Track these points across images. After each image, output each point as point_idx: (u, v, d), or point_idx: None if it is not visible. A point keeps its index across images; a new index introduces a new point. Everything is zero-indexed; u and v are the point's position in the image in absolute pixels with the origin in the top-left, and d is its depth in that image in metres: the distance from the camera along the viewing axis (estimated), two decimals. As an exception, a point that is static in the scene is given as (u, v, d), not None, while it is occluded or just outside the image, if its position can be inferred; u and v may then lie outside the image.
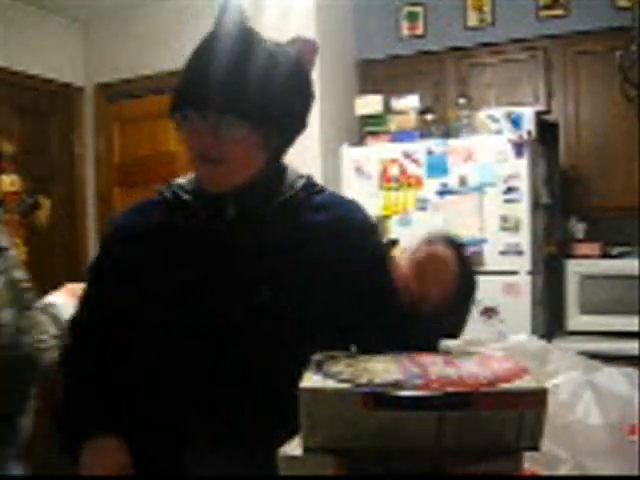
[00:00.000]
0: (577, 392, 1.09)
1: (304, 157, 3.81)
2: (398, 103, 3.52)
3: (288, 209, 1.21)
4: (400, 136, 3.44)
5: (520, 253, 3.11)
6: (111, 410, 1.19)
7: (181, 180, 1.27)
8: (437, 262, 1.02)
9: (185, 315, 1.16)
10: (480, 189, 3.17)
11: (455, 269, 1.03)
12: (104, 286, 1.27)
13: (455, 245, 1.08)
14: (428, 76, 3.82)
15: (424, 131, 3.44)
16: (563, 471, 0.99)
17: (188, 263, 1.18)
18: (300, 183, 1.24)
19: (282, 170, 1.25)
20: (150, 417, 1.16)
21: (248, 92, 1.11)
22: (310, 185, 1.26)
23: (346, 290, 1.15)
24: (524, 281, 3.10)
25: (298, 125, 1.21)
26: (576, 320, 3.41)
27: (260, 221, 1.19)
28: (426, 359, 0.84)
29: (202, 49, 1.17)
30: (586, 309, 3.39)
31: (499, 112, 3.30)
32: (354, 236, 1.23)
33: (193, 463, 1.11)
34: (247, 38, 1.16)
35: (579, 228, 3.62)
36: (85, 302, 1.31)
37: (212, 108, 1.11)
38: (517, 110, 3.29)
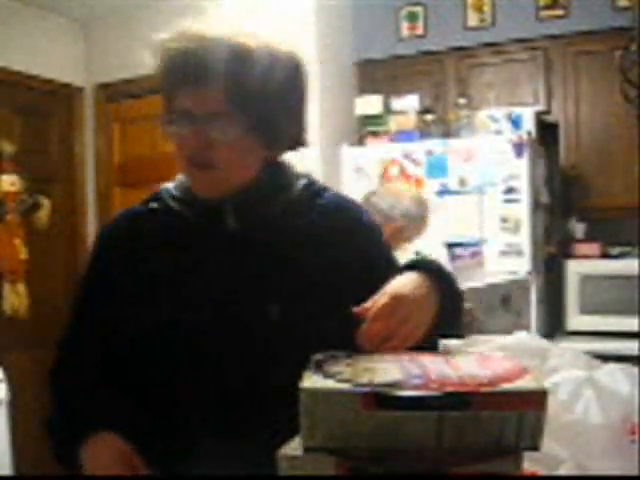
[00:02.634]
0: (577, 390, 1.09)
1: (304, 157, 3.81)
2: (398, 103, 3.53)
3: (292, 213, 1.14)
4: (400, 136, 3.44)
5: (520, 253, 3.11)
6: (107, 411, 1.11)
7: (170, 186, 1.20)
8: (402, 307, 0.95)
9: (186, 339, 1.07)
10: (480, 189, 3.17)
11: (426, 308, 0.98)
12: (94, 304, 1.18)
13: (433, 270, 1.03)
14: (428, 76, 3.82)
15: (424, 131, 3.44)
16: (563, 471, 0.99)
17: (187, 280, 1.10)
18: (302, 183, 1.17)
19: (281, 171, 1.17)
20: (149, 427, 1.09)
21: (244, 85, 1.04)
22: (312, 185, 1.19)
23: (361, 298, 1.04)
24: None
25: (293, 126, 1.14)
26: (576, 320, 3.41)
27: (263, 229, 1.12)
28: (426, 359, 0.84)
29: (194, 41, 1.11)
30: (586, 309, 3.39)
31: (499, 112, 3.31)
32: (366, 241, 1.17)
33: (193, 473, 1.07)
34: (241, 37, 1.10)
35: (579, 228, 3.62)
36: (76, 318, 1.21)
37: (206, 83, 1.04)
38: (517, 110, 3.29)
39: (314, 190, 1.19)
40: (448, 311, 1.03)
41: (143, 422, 1.10)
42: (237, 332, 1.07)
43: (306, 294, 1.08)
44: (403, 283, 0.99)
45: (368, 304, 0.95)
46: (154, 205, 1.18)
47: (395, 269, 1.07)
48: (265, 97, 1.05)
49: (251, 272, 1.10)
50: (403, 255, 2.48)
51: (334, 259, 1.12)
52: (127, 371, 1.13)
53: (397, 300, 0.95)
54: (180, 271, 1.11)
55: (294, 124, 1.14)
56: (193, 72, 1.05)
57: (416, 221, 2.41)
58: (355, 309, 0.95)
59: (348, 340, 1.02)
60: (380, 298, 0.96)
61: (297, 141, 1.16)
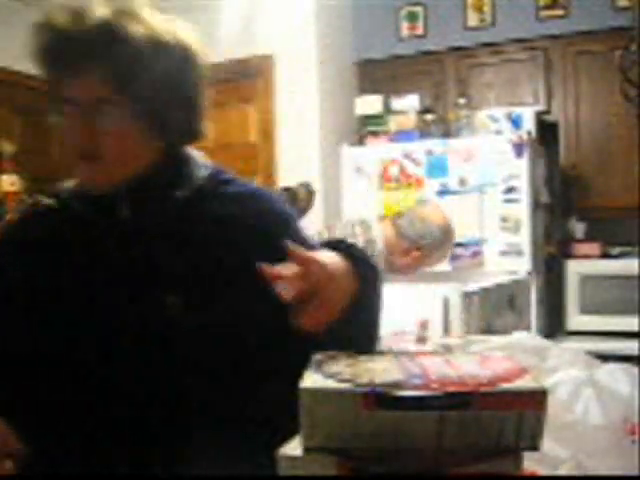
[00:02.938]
0: (577, 390, 1.09)
1: (304, 157, 3.82)
2: (398, 103, 3.53)
3: (194, 202, 1.06)
4: (400, 136, 3.44)
5: (520, 253, 3.11)
6: None
7: (68, 184, 1.13)
8: (320, 282, 0.87)
9: (86, 337, 1.01)
10: (480, 189, 3.17)
11: (340, 286, 0.90)
12: None
13: (351, 254, 0.96)
14: (428, 76, 3.82)
15: (424, 131, 3.44)
16: (563, 471, 0.99)
17: (84, 278, 1.03)
18: (205, 173, 1.10)
19: (181, 161, 1.10)
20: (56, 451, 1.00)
21: (129, 70, 0.98)
22: (217, 175, 1.11)
23: (269, 294, 0.93)
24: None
25: (186, 116, 1.07)
26: (576, 320, 3.41)
27: (160, 220, 1.05)
28: (426, 359, 0.84)
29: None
30: (586, 309, 3.39)
31: (499, 112, 3.31)
32: (276, 231, 1.05)
33: None
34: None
35: (579, 228, 3.62)
36: None
37: (89, 68, 0.97)
38: (517, 110, 3.29)
39: (221, 179, 1.12)
40: (366, 298, 0.97)
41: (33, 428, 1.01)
42: (134, 330, 1.00)
43: (209, 284, 1.01)
44: (322, 255, 0.92)
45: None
46: (50, 202, 1.11)
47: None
48: (153, 84, 1.00)
49: (149, 265, 1.03)
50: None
51: (241, 247, 1.04)
52: (24, 379, 1.05)
53: (318, 264, 0.87)
54: (74, 270, 1.05)
55: (187, 114, 1.07)
56: (74, 56, 0.99)
57: (441, 250, 2.36)
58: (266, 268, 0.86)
59: (258, 329, 0.96)
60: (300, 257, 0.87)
61: (192, 132, 1.09)
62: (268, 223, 1.09)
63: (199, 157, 1.13)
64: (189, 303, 0.99)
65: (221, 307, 1.00)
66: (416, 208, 2.42)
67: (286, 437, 0.78)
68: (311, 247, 1.04)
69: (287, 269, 0.86)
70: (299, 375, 0.75)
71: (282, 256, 0.95)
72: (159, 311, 1.00)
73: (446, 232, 2.35)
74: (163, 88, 1.01)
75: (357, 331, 0.98)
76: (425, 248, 2.28)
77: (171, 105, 1.03)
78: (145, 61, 0.99)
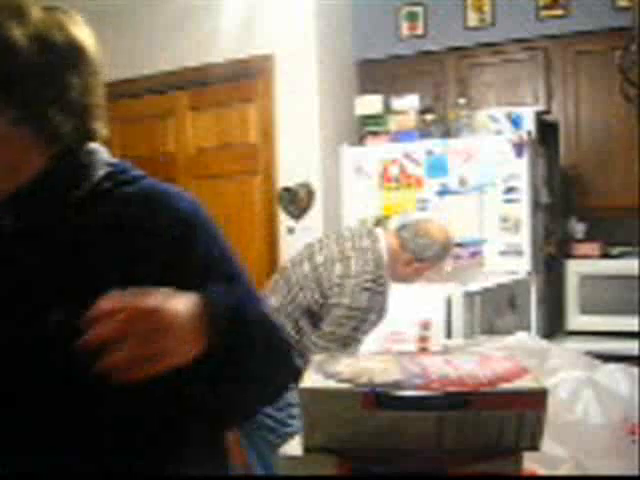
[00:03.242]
0: (577, 390, 1.09)
1: (304, 157, 3.82)
2: (398, 103, 3.53)
3: (83, 208, 0.97)
4: (400, 136, 3.44)
5: (520, 253, 3.11)
6: None
7: None
8: (149, 322, 0.80)
9: None
10: (480, 189, 3.17)
11: (178, 335, 0.83)
12: None
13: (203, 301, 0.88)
14: (428, 76, 3.82)
15: (424, 131, 3.44)
16: (563, 471, 0.99)
17: None
18: (101, 173, 0.99)
19: (74, 163, 0.99)
20: None
21: (5, 72, 0.92)
22: (119, 173, 1.01)
23: None
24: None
25: (76, 119, 0.98)
26: (576, 320, 3.41)
27: (48, 227, 0.96)
28: (426, 359, 0.84)
29: None
30: (586, 309, 3.39)
31: (499, 112, 3.30)
32: (179, 237, 0.97)
33: None
34: None
35: (579, 228, 3.62)
36: None
37: None
38: (517, 110, 3.29)
39: (121, 179, 1.01)
40: (223, 354, 0.89)
41: None
42: (15, 344, 0.93)
43: (93, 297, 0.89)
44: (163, 299, 0.84)
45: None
46: None
47: (216, 277, 0.95)
48: (36, 87, 0.94)
49: (34, 278, 0.95)
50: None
51: (131, 255, 0.95)
52: None
53: (141, 312, 0.81)
54: None
55: (78, 116, 0.99)
56: None
57: (440, 264, 2.52)
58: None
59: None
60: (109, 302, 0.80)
61: (85, 134, 1.01)
62: (165, 230, 0.97)
63: (102, 156, 1.03)
64: (72, 313, 0.86)
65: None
66: (420, 222, 2.54)
67: None
68: (204, 267, 0.98)
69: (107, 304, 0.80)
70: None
71: (172, 265, 0.93)
72: (43, 321, 0.91)
73: (446, 248, 2.50)
74: (48, 90, 0.95)
75: (219, 392, 0.93)
76: (425, 261, 2.42)
77: (58, 108, 0.96)
78: (27, 63, 0.93)
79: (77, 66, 0.98)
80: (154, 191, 1.01)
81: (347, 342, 2.29)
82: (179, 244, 0.97)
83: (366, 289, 2.28)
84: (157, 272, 0.93)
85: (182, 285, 0.89)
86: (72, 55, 0.98)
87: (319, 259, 2.38)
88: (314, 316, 2.35)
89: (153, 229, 0.97)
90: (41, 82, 0.94)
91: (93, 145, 1.03)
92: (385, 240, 2.41)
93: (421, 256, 2.42)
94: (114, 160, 1.04)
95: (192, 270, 0.97)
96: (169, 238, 0.97)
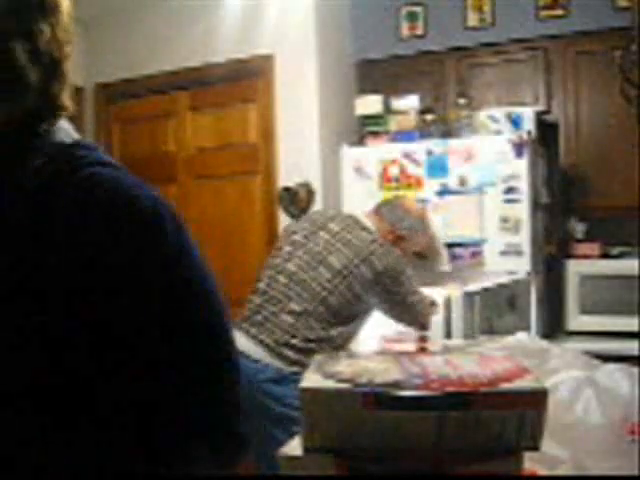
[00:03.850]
0: (577, 390, 1.09)
1: (304, 157, 3.82)
2: (398, 103, 3.52)
3: (38, 190, 0.84)
4: (400, 136, 3.44)
5: (520, 253, 3.11)
6: None
7: None
8: None
9: None
10: (480, 189, 3.17)
11: None
12: None
13: None
14: (428, 76, 3.82)
15: (424, 131, 3.44)
16: (563, 471, 0.99)
17: None
18: (61, 154, 0.88)
19: (39, 142, 0.89)
20: None
21: None
22: (78, 156, 0.89)
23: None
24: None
25: (54, 73, 0.89)
26: (576, 320, 3.41)
27: None
28: (426, 359, 0.84)
29: None
30: (586, 309, 3.39)
31: (499, 112, 3.30)
32: (128, 228, 0.85)
33: None
34: None
35: (579, 228, 3.62)
36: None
37: None
38: (517, 110, 3.29)
39: (81, 160, 0.89)
40: None
41: None
42: None
43: (44, 291, 0.81)
44: None
45: None
46: None
47: (176, 292, 0.86)
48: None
49: None
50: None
51: (82, 249, 0.83)
52: None
53: None
54: None
55: (44, 69, 0.88)
56: None
57: (420, 237, 2.74)
58: None
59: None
60: None
61: (52, 101, 0.91)
62: (121, 215, 0.85)
63: (66, 130, 0.93)
64: (13, 307, 0.79)
65: (49, 311, 0.81)
66: (395, 199, 2.79)
67: None
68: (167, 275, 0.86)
69: None
70: None
71: (132, 255, 0.83)
72: None
73: (421, 221, 2.74)
74: (15, 23, 0.85)
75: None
76: (403, 231, 2.61)
77: (25, 48, 0.85)
78: None
79: (47, 16, 0.88)
80: (112, 177, 0.89)
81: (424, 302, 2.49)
82: (123, 242, 0.85)
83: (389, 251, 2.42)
84: (88, 272, 0.83)
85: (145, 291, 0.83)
86: (43, 2, 0.88)
87: (333, 261, 2.37)
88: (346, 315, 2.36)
89: (107, 216, 0.84)
90: (7, 9, 0.84)
91: (60, 121, 0.93)
92: (366, 218, 2.57)
93: (398, 226, 2.60)
94: (79, 138, 0.94)
95: (141, 271, 0.85)
96: (108, 234, 0.84)
